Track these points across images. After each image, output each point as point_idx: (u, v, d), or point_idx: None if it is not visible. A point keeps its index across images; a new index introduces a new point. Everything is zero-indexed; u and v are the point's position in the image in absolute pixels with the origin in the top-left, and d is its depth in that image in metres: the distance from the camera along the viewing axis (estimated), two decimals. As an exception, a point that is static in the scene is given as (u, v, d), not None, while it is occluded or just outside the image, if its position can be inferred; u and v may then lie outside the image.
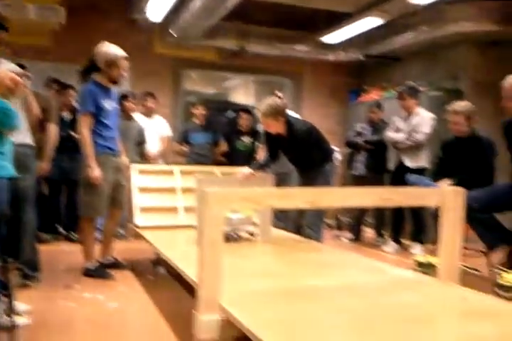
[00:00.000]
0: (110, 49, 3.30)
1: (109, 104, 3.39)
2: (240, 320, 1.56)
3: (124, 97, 4.93)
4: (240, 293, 1.91)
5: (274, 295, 1.92)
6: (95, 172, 3.27)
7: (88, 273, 3.42)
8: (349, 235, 5.49)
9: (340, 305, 1.79)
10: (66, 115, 4.83)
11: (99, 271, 3.41)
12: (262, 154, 4.87)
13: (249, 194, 1.78)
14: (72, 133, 4.67)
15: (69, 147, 4.61)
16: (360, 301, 1.84)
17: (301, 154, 3.62)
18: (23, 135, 2.93)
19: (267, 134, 3.63)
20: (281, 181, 4.46)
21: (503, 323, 1.62)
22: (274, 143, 3.64)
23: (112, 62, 3.26)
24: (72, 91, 4.88)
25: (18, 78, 2.23)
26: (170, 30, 5.80)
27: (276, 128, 3.47)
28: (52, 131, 3.47)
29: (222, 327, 1.73)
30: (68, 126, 4.72)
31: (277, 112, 3.40)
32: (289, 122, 3.48)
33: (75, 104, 4.85)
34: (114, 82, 3.37)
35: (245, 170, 3.50)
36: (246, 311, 1.66)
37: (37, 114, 3.13)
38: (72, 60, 5.64)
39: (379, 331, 1.48)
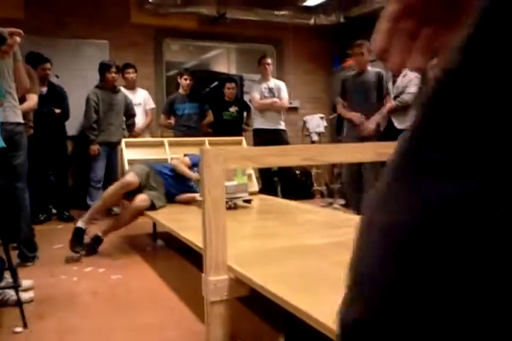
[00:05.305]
0: None
1: None
2: (251, 278, 1.57)
3: (106, 67, 4.79)
4: (244, 254, 1.92)
5: (277, 254, 1.93)
6: None
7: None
8: (342, 201, 5.53)
9: (344, 259, 1.80)
10: (43, 90, 4.65)
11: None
12: None
13: (248, 152, 1.77)
14: (54, 109, 4.59)
15: (52, 123, 4.54)
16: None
17: None
18: (13, 112, 2.86)
19: None
20: None
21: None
22: None
23: None
24: (49, 65, 4.70)
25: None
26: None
27: None
28: (35, 101, 3.38)
29: (230, 287, 1.74)
30: (47, 101, 4.60)
31: None
32: None
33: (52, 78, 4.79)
34: None
35: None
36: (254, 269, 1.67)
37: (26, 86, 3.03)
38: (47, 32, 5.47)
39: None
